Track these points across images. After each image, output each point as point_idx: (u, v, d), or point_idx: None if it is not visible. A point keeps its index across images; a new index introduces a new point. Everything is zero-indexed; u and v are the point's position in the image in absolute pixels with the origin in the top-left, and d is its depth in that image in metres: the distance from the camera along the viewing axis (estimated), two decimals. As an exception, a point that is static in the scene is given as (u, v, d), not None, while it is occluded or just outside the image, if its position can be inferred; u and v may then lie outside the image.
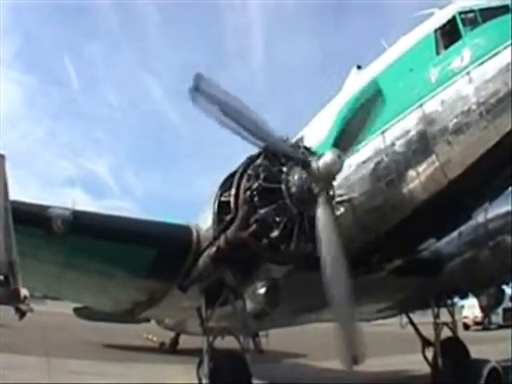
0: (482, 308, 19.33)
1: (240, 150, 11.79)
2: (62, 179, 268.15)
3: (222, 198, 11.10)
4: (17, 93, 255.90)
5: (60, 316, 45.36)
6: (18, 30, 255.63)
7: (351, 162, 12.52)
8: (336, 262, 9.65)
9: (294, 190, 10.24)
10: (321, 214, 9.90)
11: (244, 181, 10.56)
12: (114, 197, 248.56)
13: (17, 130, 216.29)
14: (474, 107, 10.61)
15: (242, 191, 10.53)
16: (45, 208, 11.42)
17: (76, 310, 31.80)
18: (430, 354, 17.64)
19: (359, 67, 14.66)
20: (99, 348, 31.32)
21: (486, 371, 15.57)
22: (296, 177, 10.31)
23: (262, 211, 10.21)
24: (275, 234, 10.16)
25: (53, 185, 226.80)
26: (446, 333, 17.83)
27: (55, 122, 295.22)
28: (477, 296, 18.69)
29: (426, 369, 17.89)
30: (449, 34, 11.53)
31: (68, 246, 11.81)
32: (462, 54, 10.95)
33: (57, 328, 39.18)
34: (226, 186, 11.15)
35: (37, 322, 36.71)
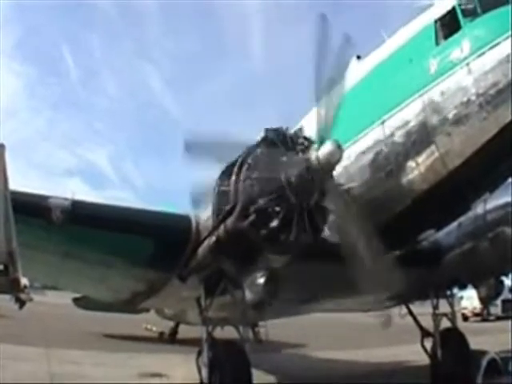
0: (481, 299, 19.38)
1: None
2: (62, 169, 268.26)
3: (222, 188, 11.08)
4: (16, 83, 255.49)
5: (59, 306, 45.48)
6: (17, 20, 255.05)
7: (351, 152, 12.55)
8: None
9: (293, 179, 10.22)
10: (332, 200, 10.02)
11: (243, 170, 10.54)
12: (114, 187, 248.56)
13: (16, 121, 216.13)
14: (473, 98, 10.63)
15: (241, 181, 10.53)
16: (44, 198, 11.41)
17: (75, 300, 31.78)
18: (428, 344, 17.65)
19: (359, 57, 14.63)
20: (99, 338, 31.34)
21: (484, 362, 15.57)
22: (296, 167, 10.30)
23: (261, 201, 10.21)
24: (274, 223, 10.14)
25: (52, 175, 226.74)
26: (445, 324, 17.87)
27: (55, 113, 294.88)
28: (476, 287, 18.71)
29: (424, 359, 17.91)
30: (448, 24, 11.53)
31: (67, 236, 11.81)
32: (462, 44, 10.96)
33: (56, 318, 39.26)
34: (225, 175, 11.13)
35: (36, 312, 36.70)
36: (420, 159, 11.60)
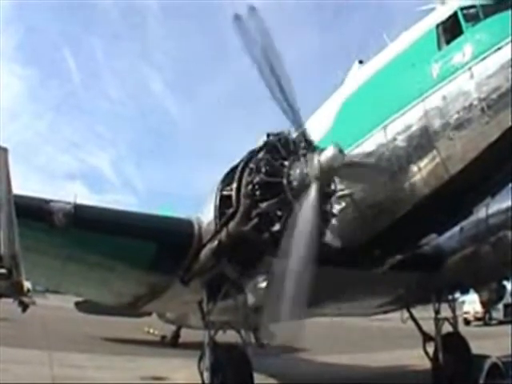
0: (483, 303, 19.41)
1: (241, 144, 11.81)
2: (64, 173, 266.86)
3: (224, 192, 11.07)
4: (18, 86, 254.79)
5: (61, 310, 45.37)
6: (18, 22, 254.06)
7: (353, 157, 12.56)
8: (303, 255, 9.69)
9: (295, 184, 10.23)
10: (308, 203, 9.92)
11: (246, 175, 10.55)
12: (116, 191, 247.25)
13: (18, 124, 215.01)
14: (475, 103, 10.65)
15: (243, 185, 10.53)
16: (46, 202, 11.41)
17: (77, 304, 31.76)
18: (430, 349, 17.66)
19: (361, 62, 14.64)
20: (100, 342, 31.30)
21: (486, 367, 15.55)
22: (297, 171, 10.30)
23: (263, 205, 10.22)
24: (277, 227, 10.17)
25: (54, 178, 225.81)
26: (446, 328, 17.86)
27: (56, 116, 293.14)
28: (478, 291, 18.74)
29: (426, 364, 17.92)
30: (450, 29, 11.55)
31: (70, 240, 11.80)
32: (464, 49, 10.97)
33: (58, 322, 39.23)
34: (227, 179, 11.13)
35: (38, 315, 36.66)
36: (422, 163, 11.61)
